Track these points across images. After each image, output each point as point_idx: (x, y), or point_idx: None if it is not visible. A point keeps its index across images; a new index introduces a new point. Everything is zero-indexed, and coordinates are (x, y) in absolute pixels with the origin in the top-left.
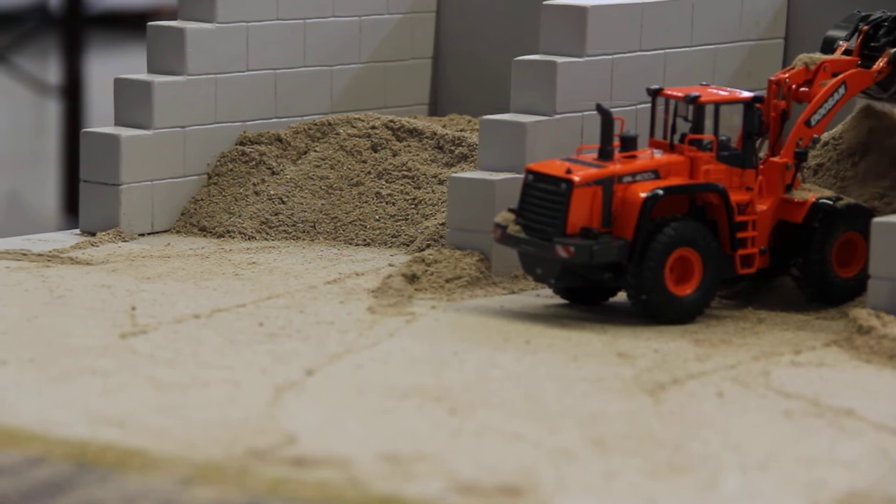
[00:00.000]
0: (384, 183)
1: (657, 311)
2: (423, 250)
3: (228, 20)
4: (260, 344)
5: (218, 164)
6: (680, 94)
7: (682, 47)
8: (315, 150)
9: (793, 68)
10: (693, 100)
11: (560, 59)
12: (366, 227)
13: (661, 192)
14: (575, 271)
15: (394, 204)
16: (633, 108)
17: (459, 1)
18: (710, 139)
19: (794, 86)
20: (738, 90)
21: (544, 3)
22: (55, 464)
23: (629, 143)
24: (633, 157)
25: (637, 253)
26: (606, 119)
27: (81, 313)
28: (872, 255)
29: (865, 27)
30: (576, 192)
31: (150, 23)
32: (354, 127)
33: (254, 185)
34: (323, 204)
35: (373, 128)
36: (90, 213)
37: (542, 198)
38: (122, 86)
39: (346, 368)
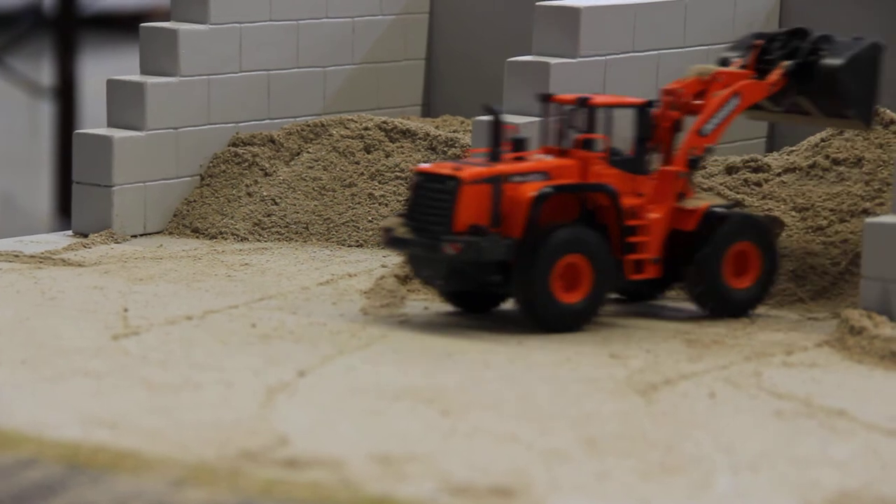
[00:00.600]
0: (377, 184)
1: (543, 317)
2: None
3: (221, 21)
4: (252, 345)
5: (211, 165)
6: (571, 98)
7: (674, 48)
8: (308, 152)
9: (686, 79)
10: (584, 102)
11: (553, 60)
12: (358, 228)
13: (549, 190)
14: (464, 272)
15: (387, 205)
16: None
17: (452, 2)
18: (602, 140)
19: (687, 96)
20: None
21: (537, 4)
22: (47, 465)
23: (520, 146)
24: (523, 159)
25: (525, 252)
26: (496, 120)
27: (74, 315)
28: (864, 255)
29: (761, 41)
30: (464, 190)
31: (143, 24)
32: (347, 128)
33: (246, 186)
34: (316, 205)
35: (366, 129)
36: (83, 215)
37: (431, 197)
38: (114, 87)
39: (338, 370)
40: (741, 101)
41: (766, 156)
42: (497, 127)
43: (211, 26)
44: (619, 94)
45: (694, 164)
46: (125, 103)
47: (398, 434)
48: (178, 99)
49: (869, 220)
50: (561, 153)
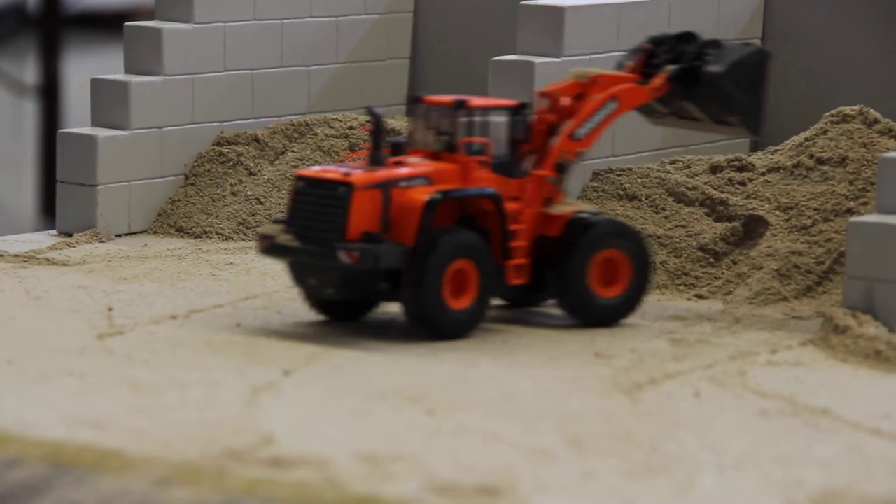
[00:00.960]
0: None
1: (434, 324)
2: None
3: (205, 20)
4: (237, 345)
5: (195, 164)
6: (445, 101)
7: None
8: (292, 151)
9: (564, 82)
10: (461, 104)
11: (537, 60)
12: None
13: (440, 196)
14: (355, 280)
15: None
16: None
17: (436, 1)
18: (484, 143)
19: (563, 99)
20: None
21: (521, 3)
22: (32, 465)
23: (398, 149)
24: (403, 163)
25: (418, 259)
26: (378, 122)
27: (58, 314)
28: (848, 255)
29: (648, 45)
30: (356, 196)
31: (127, 23)
32: (332, 127)
33: (231, 185)
34: None
35: (350, 128)
36: (67, 214)
37: (318, 203)
38: (99, 86)
39: (323, 369)
40: (619, 106)
41: (750, 155)
42: (378, 129)
43: (195, 25)
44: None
45: (562, 168)
46: (109, 102)
47: (383, 433)
48: (162, 98)
49: (853, 219)
50: (434, 156)
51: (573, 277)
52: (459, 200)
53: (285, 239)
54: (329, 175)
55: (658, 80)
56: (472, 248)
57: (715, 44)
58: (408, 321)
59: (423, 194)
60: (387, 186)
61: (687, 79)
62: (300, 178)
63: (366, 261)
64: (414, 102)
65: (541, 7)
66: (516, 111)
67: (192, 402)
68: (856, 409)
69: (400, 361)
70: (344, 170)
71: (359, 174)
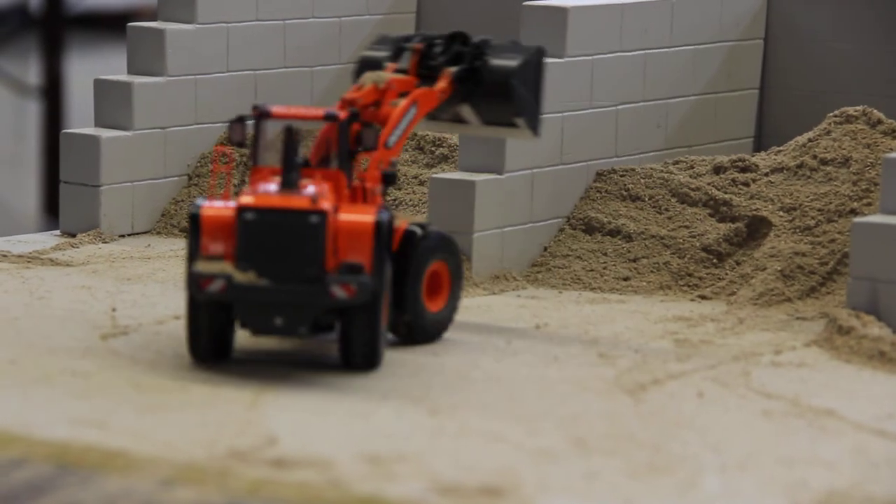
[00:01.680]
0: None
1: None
2: None
3: (208, 21)
4: (241, 346)
5: (198, 165)
6: (306, 114)
7: (661, 48)
8: None
9: (361, 87)
10: (333, 117)
11: None
12: None
13: (388, 214)
14: (326, 316)
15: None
16: (615, 108)
17: (439, 1)
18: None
19: (365, 106)
20: (313, 108)
21: (524, 3)
22: (36, 465)
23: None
24: (306, 181)
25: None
26: (291, 137)
27: (62, 315)
28: (852, 255)
29: (420, 45)
30: (330, 224)
31: (130, 23)
32: None
33: (234, 186)
34: None
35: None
36: (70, 215)
37: (282, 235)
38: (102, 87)
39: (326, 370)
40: (418, 111)
41: (753, 155)
42: (291, 146)
43: (198, 26)
44: (602, 95)
45: (390, 178)
46: (112, 103)
47: (386, 434)
48: (165, 98)
49: (857, 220)
50: (286, 171)
51: (411, 293)
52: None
53: (247, 277)
54: (290, 204)
55: (443, 82)
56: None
57: (487, 43)
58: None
59: (367, 215)
60: (334, 212)
61: (469, 79)
62: (249, 208)
63: (363, 293)
64: (263, 117)
65: (544, 7)
66: (346, 123)
67: (196, 403)
68: (860, 409)
69: (403, 362)
70: (304, 196)
71: (322, 199)
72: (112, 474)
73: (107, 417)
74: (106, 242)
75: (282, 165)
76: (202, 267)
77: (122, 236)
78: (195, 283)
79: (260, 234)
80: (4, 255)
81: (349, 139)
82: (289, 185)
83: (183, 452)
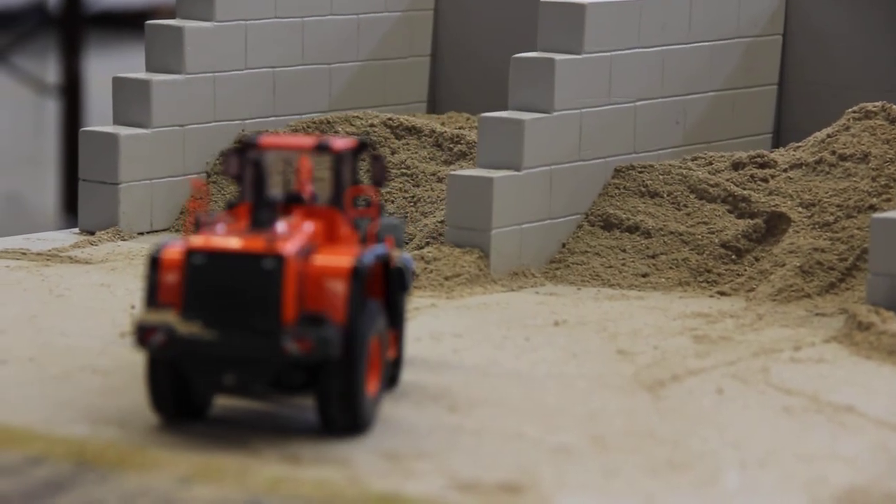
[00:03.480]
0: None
1: (361, 414)
2: (422, 248)
3: (227, 19)
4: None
5: (217, 162)
6: (296, 143)
7: (679, 44)
8: None
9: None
10: (325, 148)
11: (558, 57)
12: None
13: (369, 260)
14: (288, 372)
15: (393, 202)
16: (633, 105)
17: None
18: (370, 194)
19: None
20: (304, 136)
21: (542, 0)
22: (55, 463)
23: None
24: (285, 222)
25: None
26: (260, 171)
27: (81, 312)
28: (872, 251)
29: None
30: (290, 270)
31: (148, 21)
32: (353, 125)
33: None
34: None
35: (371, 126)
36: (89, 212)
37: (232, 283)
38: (120, 85)
39: None
40: None
41: (772, 151)
42: (260, 180)
43: (216, 24)
44: (620, 92)
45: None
46: (131, 101)
47: (405, 431)
48: (183, 96)
49: (876, 215)
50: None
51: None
52: None
53: (193, 329)
54: (248, 247)
55: None
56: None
57: None
58: (330, 412)
59: (346, 259)
60: (306, 253)
61: None
62: (195, 251)
63: (321, 349)
64: (248, 149)
65: (561, 4)
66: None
67: (214, 400)
68: (879, 405)
69: (421, 359)
70: (259, 238)
71: (283, 242)
72: (131, 472)
73: (125, 415)
74: (125, 240)
75: (252, 202)
76: (147, 317)
77: (141, 234)
78: (139, 335)
79: (209, 281)
80: (23, 253)
81: (350, 172)
82: (260, 224)
83: (201, 450)
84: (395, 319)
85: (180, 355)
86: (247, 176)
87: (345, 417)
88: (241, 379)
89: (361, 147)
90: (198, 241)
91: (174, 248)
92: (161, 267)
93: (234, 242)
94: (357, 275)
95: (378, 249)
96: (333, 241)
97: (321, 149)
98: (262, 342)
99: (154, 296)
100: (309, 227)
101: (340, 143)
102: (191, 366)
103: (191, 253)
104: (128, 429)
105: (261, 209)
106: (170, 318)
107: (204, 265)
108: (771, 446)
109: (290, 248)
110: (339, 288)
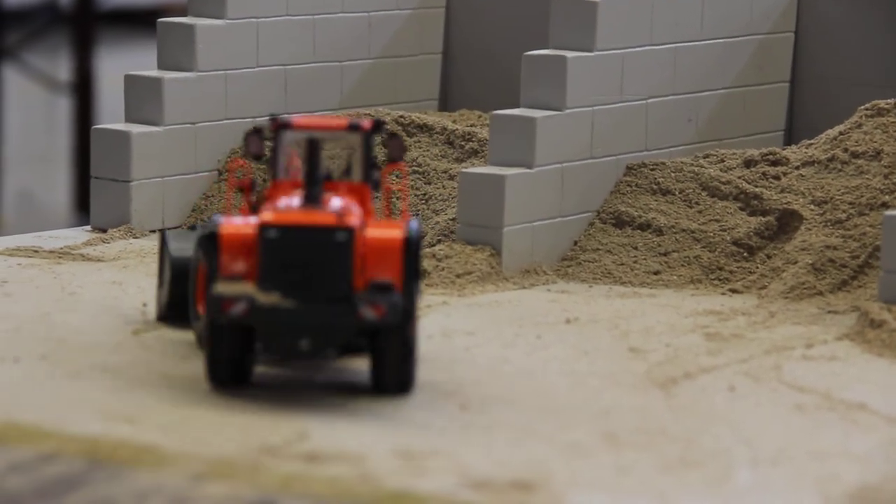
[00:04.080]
0: (394, 178)
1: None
2: (433, 246)
3: (238, 16)
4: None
5: (229, 160)
6: (329, 124)
7: (691, 41)
8: (325, 147)
9: None
10: (357, 128)
11: (570, 54)
12: None
13: (418, 228)
14: (354, 337)
15: (404, 199)
16: (644, 102)
17: None
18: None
19: None
20: (335, 118)
21: None
22: (68, 460)
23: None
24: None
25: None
26: (315, 150)
27: (93, 310)
28: (884, 248)
29: None
30: (358, 241)
31: (160, 19)
32: None
33: (264, 181)
34: None
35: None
36: (101, 210)
37: (307, 254)
38: (132, 82)
39: (357, 364)
40: None
41: (784, 149)
42: (314, 159)
43: (228, 21)
44: (632, 89)
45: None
46: (143, 98)
47: (417, 428)
48: (195, 94)
49: (888, 213)
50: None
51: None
52: None
53: (272, 299)
54: (320, 220)
55: None
56: None
57: None
58: (390, 377)
59: (393, 231)
60: (364, 227)
61: None
62: (270, 226)
63: (393, 314)
64: (283, 128)
65: (573, 1)
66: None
67: (228, 398)
68: (892, 403)
69: (433, 356)
70: (328, 211)
71: (347, 215)
72: (143, 469)
73: (138, 413)
74: (137, 238)
75: (305, 179)
76: (224, 288)
77: (153, 231)
78: (216, 306)
79: (284, 253)
80: (36, 251)
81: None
82: (312, 199)
83: (214, 447)
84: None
85: (260, 323)
86: (283, 154)
87: (399, 380)
88: (315, 344)
89: (378, 126)
90: (269, 216)
91: (231, 224)
92: (222, 242)
93: (304, 216)
94: (410, 245)
95: (413, 223)
96: (367, 214)
97: (353, 129)
98: (339, 309)
99: (215, 269)
100: (350, 202)
101: (366, 123)
102: (269, 333)
103: (265, 227)
104: (140, 426)
105: (314, 186)
106: (249, 289)
107: (278, 238)
108: (783, 444)
109: (356, 220)
110: (394, 258)
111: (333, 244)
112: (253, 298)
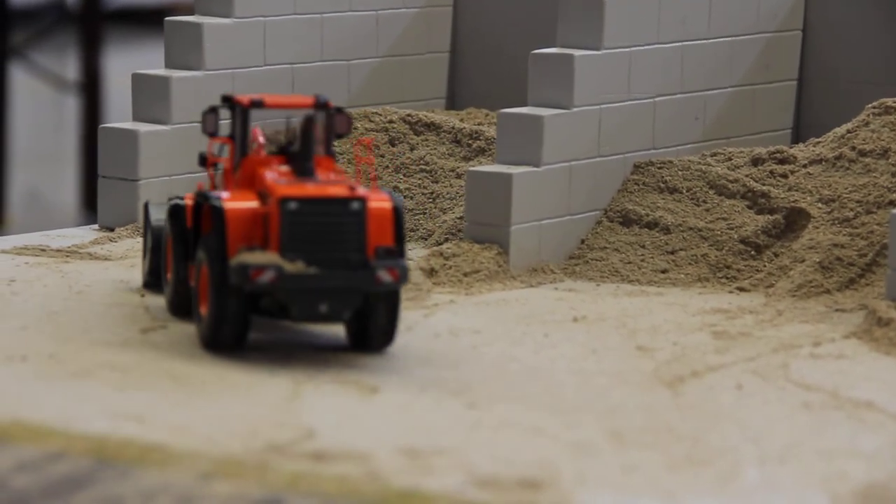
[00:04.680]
0: (402, 177)
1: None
2: (441, 244)
3: (245, 15)
4: (279, 338)
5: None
6: (296, 102)
7: (698, 40)
8: (332, 146)
9: None
10: (323, 104)
11: (577, 53)
12: None
13: (398, 199)
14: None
15: (412, 198)
16: (652, 100)
17: None
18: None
19: None
20: (300, 96)
21: None
22: (75, 459)
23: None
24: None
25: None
26: (309, 127)
27: (101, 309)
28: (891, 247)
29: None
30: (370, 212)
31: (167, 18)
32: (372, 121)
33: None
34: None
35: (390, 122)
36: (108, 209)
37: (325, 224)
38: (139, 81)
39: (365, 362)
40: None
41: (791, 147)
42: (309, 135)
43: (235, 20)
44: (640, 87)
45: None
46: (150, 97)
47: (425, 427)
48: (202, 93)
49: (895, 211)
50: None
51: None
52: None
53: (298, 268)
54: (331, 193)
55: None
56: None
57: None
58: (382, 335)
59: (383, 201)
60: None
61: None
62: (290, 199)
63: (403, 277)
64: (254, 108)
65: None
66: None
67: (235, 396)
68: None
69: (440, 355)
70: (342, 184)
71: (358, 188)
72: (150, 468)
73: (145, 411)
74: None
75: (299, 154)
76: (249, 258)
77: None
78: (244, 275)
79: (304, 224)
80: (43, 250)
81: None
82: (307, 173)
83: (222, 446)
84: None
85: (286, 290)
86: (275, 133)
87: (385, 337)
88: (333, 307)
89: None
90: (287, 190)
91: (233, 200)
92: (227, 217)
93: (321, 190)
94: (398, 212)
95: (391, 192)
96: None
97: (319, 105)
98: (360, 274)
99: (222, 241)
100: (340, 174)
101: (329, 101)
102: (294, 299)
103: (285, 201)
104: (147, 425)
105: (307, 160)
106: (275, 258)
107: (297, 210)
108: (790, 442)
109: (363, 191)
110: (389, 225)
111: (350, 213)
112: (281, 267)
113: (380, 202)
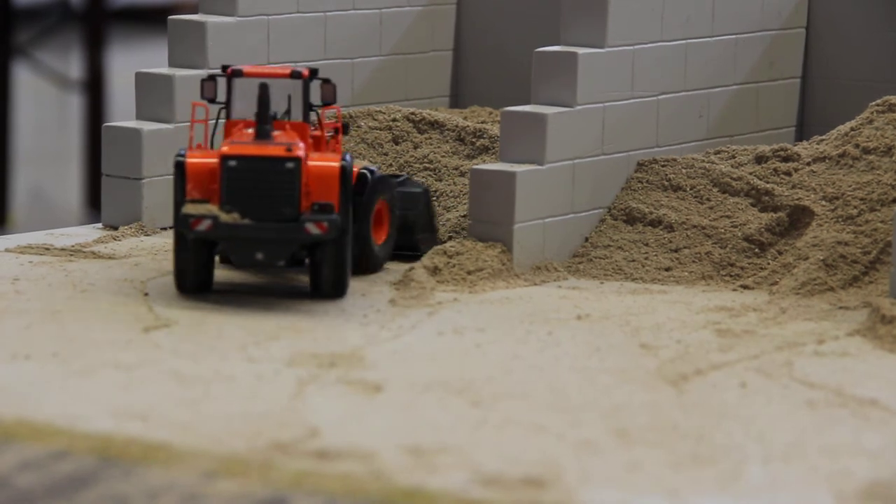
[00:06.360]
0: (405, 175)
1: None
2: (444, 242)
3: (249, 14)
4: (283, 338)
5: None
6: (274, 72)
7: (702, 38)
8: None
9: None
10: (298, 75)
11: (581, 51)
12: None
13: (350, 161)
14: (298, 250)
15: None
16: (656, 98)
17: None
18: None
19: None
20: (280, 66)
21: None
22: (79, 458)
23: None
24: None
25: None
26: (265, 94)
27: (104, 308)
28: (895, 243)
29: None
30: (303, 170)
31: (171, 17)
32: (375, 119)
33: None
34: None
35: (394, 120)
36: (112, 208)
37: (260, 180)
38: (143, 80)
39: (368, 362)
40: None
41: (795, 145)
42: (265, 101)
43: (239, 19)
44: (643, 85)
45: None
46: (154, 96)
47: (428, 425)
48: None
49: None
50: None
51: (364, 229)
52: None
53: (232, 217)
54: (268, 152)
55: None
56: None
57: None
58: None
59: (332, 162)
60: (306, 158)
61: None
62: (230, 157)
63: (333, 230)
64: (235, 77)
65: None
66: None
67: (239, 395)
68: None
69: (444, 353)
70: (278, 145)
71: (297, 148)
72: (154, 467)
73: (149, 410)
74: (148, 235)
75: (256, 118)
76: (191, 209)
77: (164, 229)
78: (185, 224)
79: (241, 179)
80: (47, 249)
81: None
82: (264, 135)
83: (226, 445)
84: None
85: (223, 238)
86: (237, 97)
87: (334, 285)
88: (268, 256)
89: (314, 74)
90: (228, 148)
91: (194, 155)
92: (186, 170)
93: (259, 149)
94: (345, 173)
95: (347, 156)
96: (308, 148)
97: (295, 75)
98: (289, 226)
99: (182, 192)
100: (295, 137)
101: (305, 71)
102: (230, 246)
103: (226, 158)
104: (151, 423)
105: (265, 123)
106: (212, 209)
107: (237, 167)
108: (795, 440)
109: (301, 152)
110: (333, 183)
111: (283, 171)
112: (216, 217)
113: (325, 162)
